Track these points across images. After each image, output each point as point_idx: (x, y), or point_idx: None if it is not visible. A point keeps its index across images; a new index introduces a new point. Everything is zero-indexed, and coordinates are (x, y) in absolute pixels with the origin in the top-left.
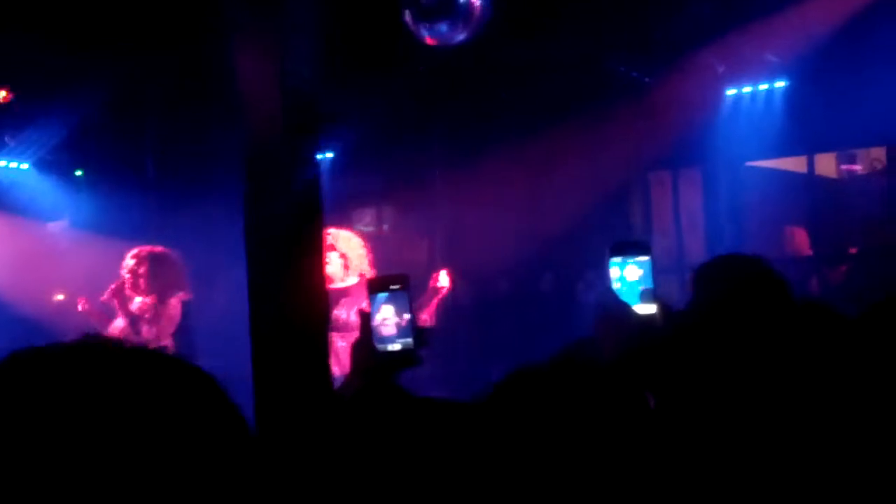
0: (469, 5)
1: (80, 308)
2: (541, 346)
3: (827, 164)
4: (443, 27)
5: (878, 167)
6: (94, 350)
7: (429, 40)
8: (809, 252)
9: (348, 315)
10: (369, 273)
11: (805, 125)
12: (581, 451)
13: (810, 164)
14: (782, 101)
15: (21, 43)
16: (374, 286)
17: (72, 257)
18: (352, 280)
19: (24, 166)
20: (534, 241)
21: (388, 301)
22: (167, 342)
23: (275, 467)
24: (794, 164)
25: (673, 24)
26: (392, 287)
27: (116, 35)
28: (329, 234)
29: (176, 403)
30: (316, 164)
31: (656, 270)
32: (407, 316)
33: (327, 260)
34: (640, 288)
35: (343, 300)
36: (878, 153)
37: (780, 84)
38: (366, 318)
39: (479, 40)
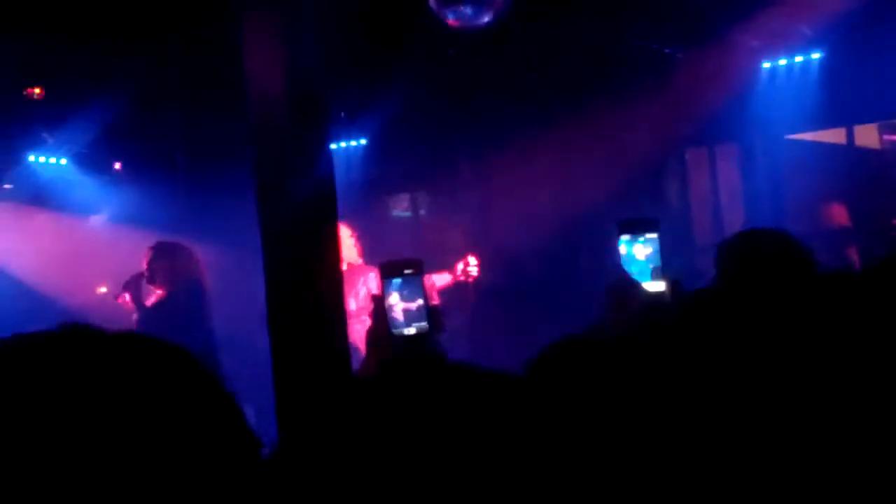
0: None
1: (118, 300)
2: (573, 326)
3: (868, 135)
4: (467, 9)
5: None
6: (69, 337)
7: (453, 23)
8: (849, 224)
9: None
10: (358, 262)
11: (842, 96)
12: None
13: (850, 136)
14: (818, 72)
15: (52, 41)
16: (388, 271)
17: (112, 250)
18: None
19: (63, 161)
20: (567, 222)
21: (402, 286)
22: (182, 334)
23: (297, 457)
24: (834, 136)
25: None
26: (406, 272)
27: (140, 29)
28: None
29: (154, 387)
30: (327, 153)
31: (665, 247)
32: (421, 300)
33: None
34: (650, 266)
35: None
36: None
37: (816, 56)
38: (379, 302)
39: (508, 21)
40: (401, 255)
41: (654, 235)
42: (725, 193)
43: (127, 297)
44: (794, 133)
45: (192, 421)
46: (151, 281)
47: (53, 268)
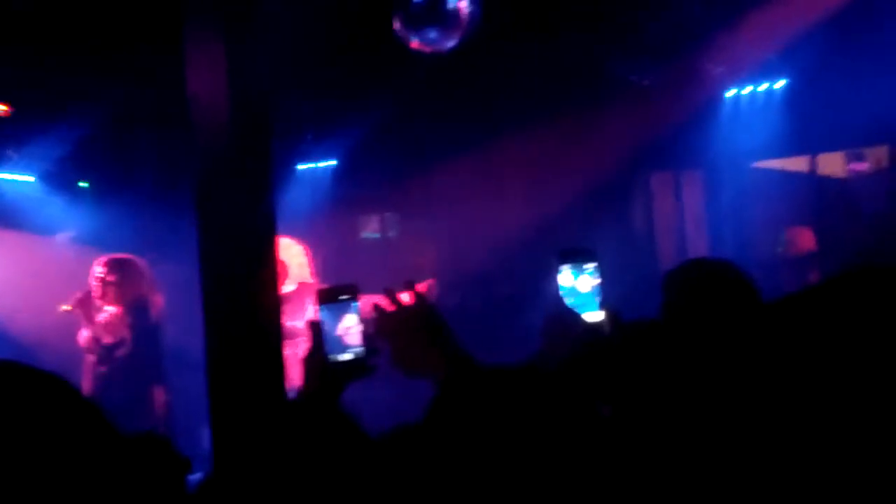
0: (457, 11)
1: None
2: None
3: (833, 163)
4: (431, 34)
5: (884, 165)
6: None
7: (416, 46)
8: (814, 249)
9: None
10: (310, 281)
11: (806, 125)
12: (527, 460)
13: (814, 164)
14: (782, 100)
15: (22, 58)
16: (324, 296)
17: (77, 269)
18: (289, 287)
19: (31, 179)
20: (534, 244)
21: (338, 311)
22: (130, 350)
23: (230, 473)
24: (798, 163)
25: (666, 26)
26: (342, 297)
27: (109, 46)
28: None
29: (16, 415)
30: (267, 175)
31: (604, 277)
32: (357, 326)
33: None
34: (588, 295)
35: (286, 307)
36: (882, 152)
37: (780, 84)
38: (316, 328)
39: (478, 44)
40: (340, 281)
41: (592, 265)
42: (690, 218)
43: (75, 310)
44: (758, 160)
45: (54, 445)
46: (101, 297)
47: (14, 285)
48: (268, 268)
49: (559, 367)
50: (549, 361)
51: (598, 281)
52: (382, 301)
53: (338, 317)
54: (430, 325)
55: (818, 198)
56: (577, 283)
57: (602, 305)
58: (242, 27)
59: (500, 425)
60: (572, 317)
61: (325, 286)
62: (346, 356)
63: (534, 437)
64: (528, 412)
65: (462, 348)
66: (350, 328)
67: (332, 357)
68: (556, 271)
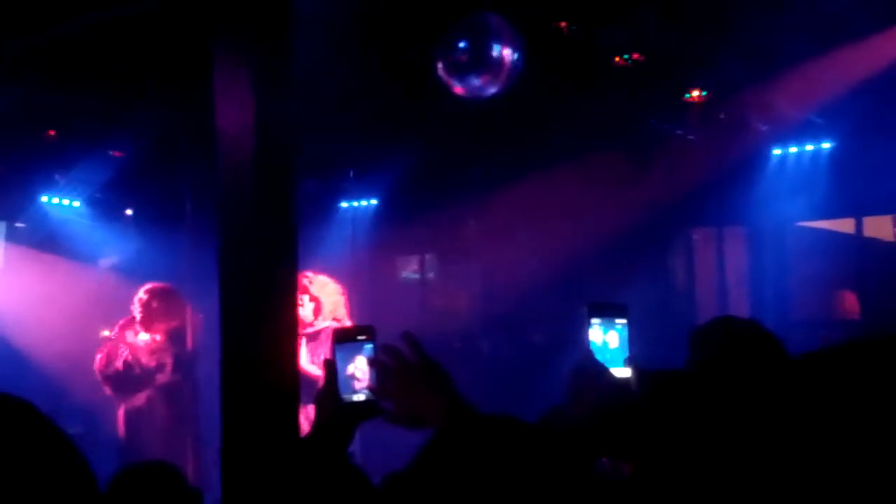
0: (501, 59)
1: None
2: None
3: (880, 226)
4: (474, 80)
5: None
6: None
7: (460, 91)
8: (858, 317)
9: (311, 358)
10: (345, 320)
11: (852, 187)
12: None
13: (859, 226)
14: (829, 161)
15: (71, 86)
16: (340, 336)
17: (118, 295)
18: (324, 325)
19: (76, 204)
20: (571, 294)
21: (354, 352)
22: (167, 379)
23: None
24: (843, 225)
25: (712, 82)
26: (359, 338)
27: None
28: (306, 277)
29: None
30: (292, 210)
31: (634, 333)
32: (370, 368)
33: (299, 302)
34: (616, 350)
35: (310, 344)
36: None
37: (827, 145)
38: (330, 367)
39: (524, 91)
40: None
41: (623, 321)
42: (732, 275)
43: (116, 336)
44: (802, 220)
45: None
46: (144, 323)
47: (55, 310)
48: (287, 309)
49: (581, 423)
50: (571, 416)
51: (627, 337)
52: (383, 357)
53: (353, 357)
54: (429, 377)
55: (863, 261)
56: (606, 338)
57: (630, 362)
58: (274, 69)
59: (484, 479)
60: (599, 372)
61: (342, 326)
62: (359, 396)
63: (517, 495)
64: (519, 469)
65: (463, 398)
66: (364, 369)
67: (345, 396)
68: (586, 324)
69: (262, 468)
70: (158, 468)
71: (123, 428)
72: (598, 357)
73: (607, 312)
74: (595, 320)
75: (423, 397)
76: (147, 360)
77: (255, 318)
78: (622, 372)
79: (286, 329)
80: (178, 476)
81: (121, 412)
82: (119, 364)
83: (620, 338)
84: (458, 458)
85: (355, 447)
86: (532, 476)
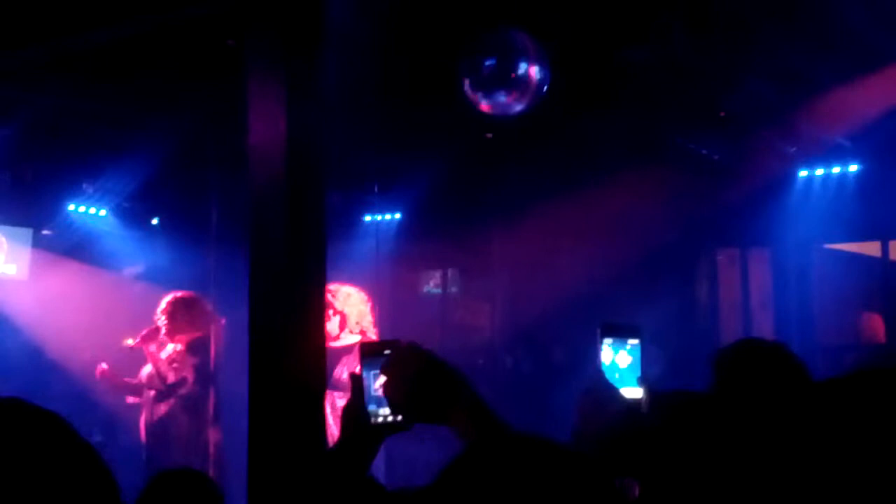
0: (527, 77)
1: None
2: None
3: None
4: (501, 97)
5: None
6: None
7: (486, 108)
8: (883, 340)
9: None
10: (372, 331)
11: (878, 210)
12: None
13: (885, 249)
14: (855, 184)
15: (100, 95)
16: (367, 350)
17: (142, 304)
18: (351, 338)
19: (102, 212)
20: (593, 313)
21: (379, 366)
22: (190, 389)
23: None
24: (868, 248)
25: (739, 102)
26: (385, 352)
27: (184, 90)
28: (329, 291)
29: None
30: (321, 221)
31: (648, 354)
32: None
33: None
34: (627, 370)
35: (345, 358)
36: None
37: (854, 168)
38: (357, 381)
39: (549, 109)
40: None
41: (635, 341)
42: (756, 297)
43: (139, 345)
44: (827, 243)
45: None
46: (166, 333)
47: (80, 318)
48: (315, 322)
49: (590, 445)
50: (582, 437)
51: (640, 357)
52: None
53: (379, 372)
54: (440, 381)
55: (889, 284)
56: (617, 358)
57: (642, 382)
58: (306, 82)
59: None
60: (610, 393)
61: (368, 340)
62: (384, 411)
63: None
64: (551, 492)
65: (492, 411)
66: None
67: (372, 410)
68: (598, 344)
69: (288, 480)
70: (193, 475)
71: (144, 437)
72: (610, 377)
73: (620, 332)
74: (607, 340)
75: (439, 401)
76: (167, 371)
77: (284, 333)
78: (634, 392)
79: (314, 342)
80: (211, 483)
81: (142, 421)
82: (143, 377)
83: (633, 358)
84: (489, 477)
85: (379, 462)
86: (563, 499)
